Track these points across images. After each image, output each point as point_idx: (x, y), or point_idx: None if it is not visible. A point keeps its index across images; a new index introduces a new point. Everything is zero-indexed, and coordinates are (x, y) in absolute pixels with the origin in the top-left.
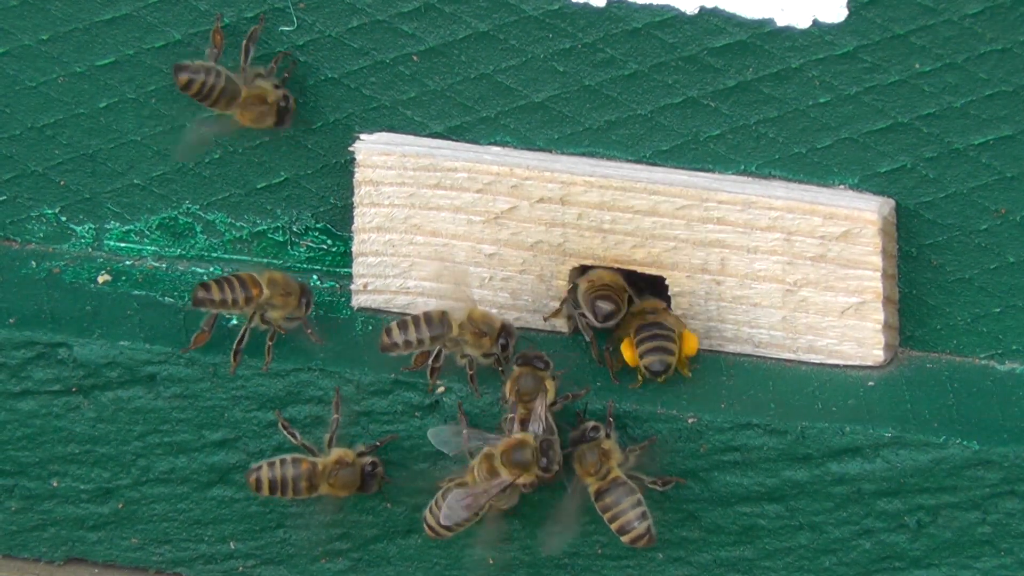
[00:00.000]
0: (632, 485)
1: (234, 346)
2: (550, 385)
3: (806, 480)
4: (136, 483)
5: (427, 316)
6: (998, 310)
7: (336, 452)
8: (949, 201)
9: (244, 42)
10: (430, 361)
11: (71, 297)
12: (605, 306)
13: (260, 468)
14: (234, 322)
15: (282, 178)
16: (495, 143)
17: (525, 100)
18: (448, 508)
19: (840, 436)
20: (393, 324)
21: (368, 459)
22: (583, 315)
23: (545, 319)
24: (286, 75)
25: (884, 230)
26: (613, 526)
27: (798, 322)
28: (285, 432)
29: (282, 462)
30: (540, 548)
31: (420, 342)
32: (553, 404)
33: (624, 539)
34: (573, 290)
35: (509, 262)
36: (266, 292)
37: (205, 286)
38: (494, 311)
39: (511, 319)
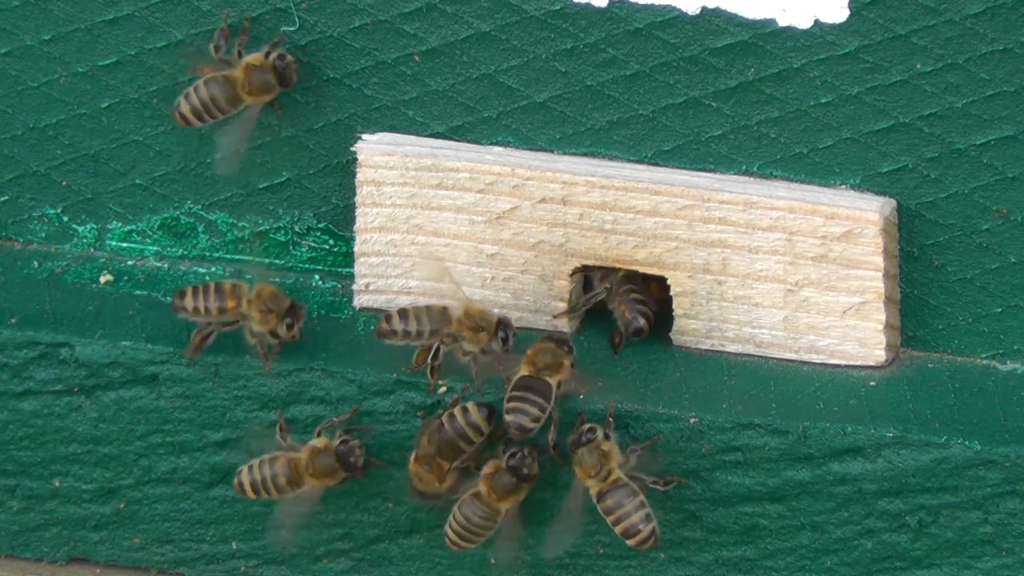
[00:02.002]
0: (634, 487)
1: (195, 340)
2: (567, 364)
3: (808, 480)
4: (138, 483)
5: (428, 309)
6: (999, 310)
7: (311, 443)
8: (950, 201)
9: (212, 45)
10: (430, 359)
11: (73, 297)
12: (642, 323)
13: (240, 473)
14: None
15: (284, 178)
16: (497, 143)
17: (527, 100)
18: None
19: (842, 436)
20: (393, 312)
21: (339, 440)
22: (619, 320)
23: (554, 316)
24: (275, 42)
25: (886, 230)
26: (617, 529)
27: (799, 322)
28: (279, 434)
29: (260, 463)
30: (542, 550)
31: (419, 333)
32: (559, 386)
33: (630, 542)
34: (606, 290)
35: (511, 262)
36: (243, 306)
37: (182, 293)
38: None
39: (512, 318)
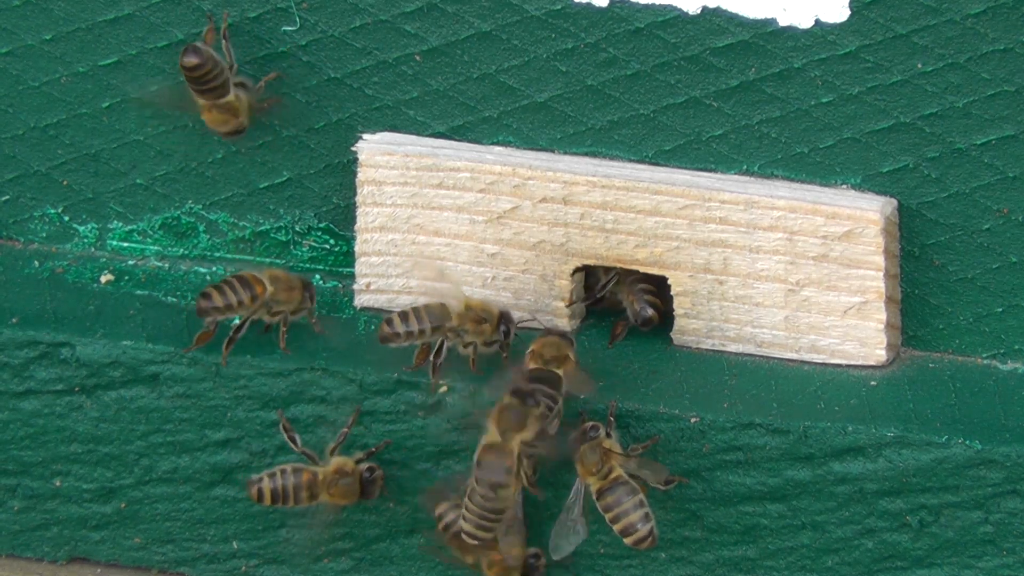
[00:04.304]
0: (634, 485)
1: (230, 334)
2: (571, 356)
3: (808, 480)
4: (139, 483)
5: (427, 307)
6: (1000, 310)
7: (335, 461)
8: (951, 201)
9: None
10: (431, 357)
11: (74, 297)
12: (651, 312)
13: (261, 479)
14: (237, 322)
15: (285, 178)
16: (497, 143)
17: (528, 100)
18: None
19: (842, 436)
20: (394, 315)
21: (366, 466)
22: (628, 309)
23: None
24: (266, 105)
25: (886, 230)
26: (616, 527)
27: (800, 322)
28: (285, 436)
29: (283, 472)
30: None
31: (421, 332)
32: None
33: (627, 541)
34: (606, 287)
35: (511, 262)
36: (270, 289)
37: (206, 295)
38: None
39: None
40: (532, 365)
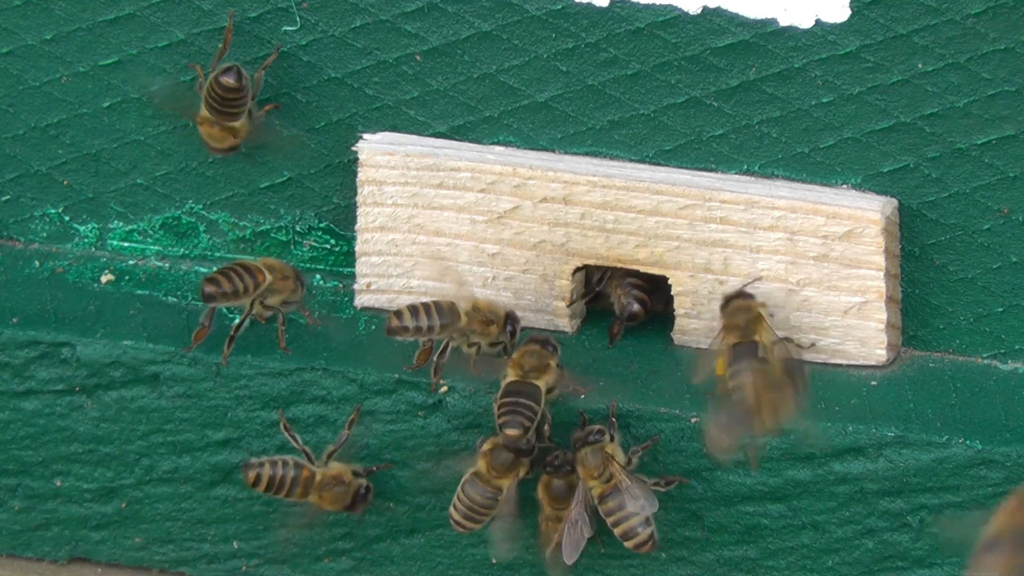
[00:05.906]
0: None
1: (232, 332)
2: (552, 365)
3: (809, 479)
4: (139, 483)
5: (438, 304)
6: (1001, 310)
7: (336, 467)
8: (952, 201)
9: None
10: (435, 358)
11: (74, 297)
12: (636, 307)
13: (263, 465)
14: (236, 320)
15: (285, 178)
16: (498, 143)
17: (528, 100)
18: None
19: (843, 436)
20: (404, 307)
21: (363, 482)
22: (616, 304)
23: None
24: (262, 124)
25: (887, 230)
26: (616, 531)
27: (801, 321)
28: (286, 434)
29: (284, 463)
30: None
31: (429, 329)
32: (551, 391)
33: (628, 544)
34: (602, 281)
35: (512, 262)
36: (268, 277)
37: (212, 280)
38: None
39: None
40: (513, 376)
